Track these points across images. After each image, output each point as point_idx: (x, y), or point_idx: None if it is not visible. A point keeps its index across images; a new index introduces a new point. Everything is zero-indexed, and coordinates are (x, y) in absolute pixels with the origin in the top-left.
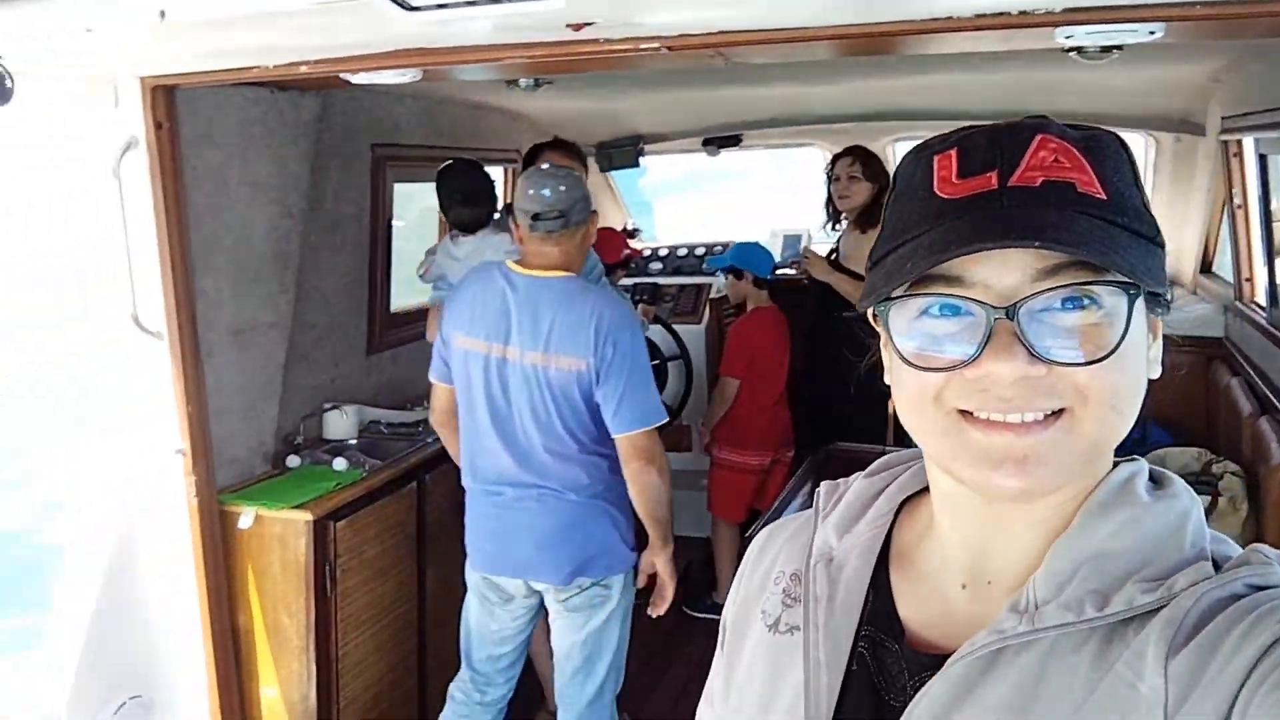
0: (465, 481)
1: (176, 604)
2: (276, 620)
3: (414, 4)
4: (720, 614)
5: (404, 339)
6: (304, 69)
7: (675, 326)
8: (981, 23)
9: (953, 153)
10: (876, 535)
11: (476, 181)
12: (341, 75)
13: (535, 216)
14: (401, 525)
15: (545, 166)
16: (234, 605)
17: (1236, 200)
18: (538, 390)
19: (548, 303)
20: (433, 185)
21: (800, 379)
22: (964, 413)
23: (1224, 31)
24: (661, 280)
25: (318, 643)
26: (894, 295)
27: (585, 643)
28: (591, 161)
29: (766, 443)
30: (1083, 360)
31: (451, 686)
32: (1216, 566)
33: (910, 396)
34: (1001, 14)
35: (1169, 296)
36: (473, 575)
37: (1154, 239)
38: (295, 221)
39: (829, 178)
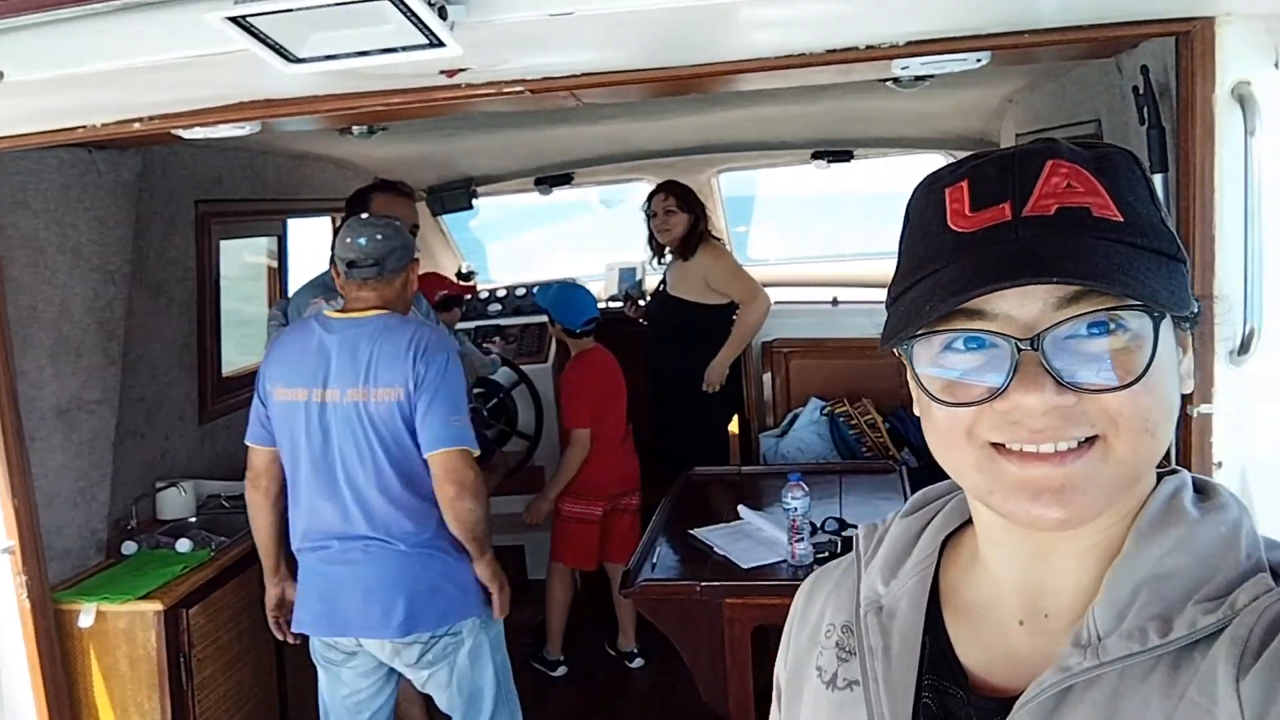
0: (294, 544)
1: (10, 716)
2: None
3: (300, 56)
4: (550, 669)
5: (238, 404)
6: (137, 126)
7: (522, 366)
8: (832, 58)
9: (964, 184)
10: (924, 578)
11: None
12: (174, 131)
13: (350, 264)
14: (255, 604)
15: (365, 216)
16: (76, 711)
17: None
18: (360, 428)
19: (366, 338)
20: (258, 240)
21: (647, 414)
22: (997, 445)
23: (1029, 57)
24: (503, 321)
25: None
26: (916, 333)
27: (459, 691)
28: (422, 206)
29: (603, 491)
30: (1111, 386)
31: None
32: (1275, 575)
33: (942, 432)
34: (850, 49)
35: (1196, 310)
36: (312, 643)
37: (1175, 255)
38: (119, 287)
39: (647, 215)
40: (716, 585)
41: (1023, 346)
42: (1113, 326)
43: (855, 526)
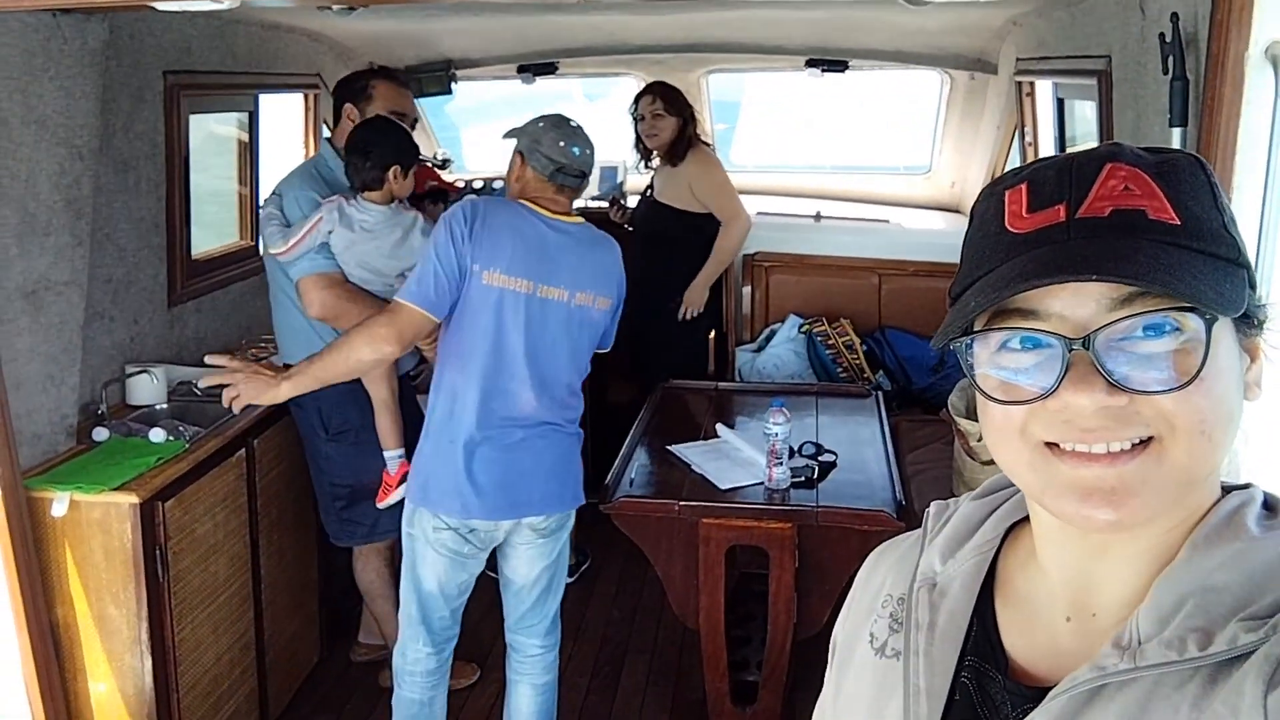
0: (454, 431)
1: None
2: (103, 612)
3: None
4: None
5: (208, 287)
6: None
7: None
8: None
9: (1023, 187)
10: (981, 562)
11: (379, 138)
12: (150, 3)
13: (560, 169)
14: (231, 496)
15: (574, 124)
16: (50, 599)
17: (1028, 137)
18: (576, 329)
19: (587, 246)
20: (228, 115)
21: (629, 322)
22: (1051, 445)
23: None
24: None
25: (151, 632)
26: (973, 330)
27: (553, 564)
28: None
29: None
30: (1164, 388)
31: (405, 666)
32: None
33: (997, 429)
34: None
35: (1262, 316)
36: (439, 534)
37: (1235, 260)
38: (86, 163)
39: (634, 118)
40: (695, 505)
41: (1074, 346)
42: (1168, 329)
43: (833, 452)
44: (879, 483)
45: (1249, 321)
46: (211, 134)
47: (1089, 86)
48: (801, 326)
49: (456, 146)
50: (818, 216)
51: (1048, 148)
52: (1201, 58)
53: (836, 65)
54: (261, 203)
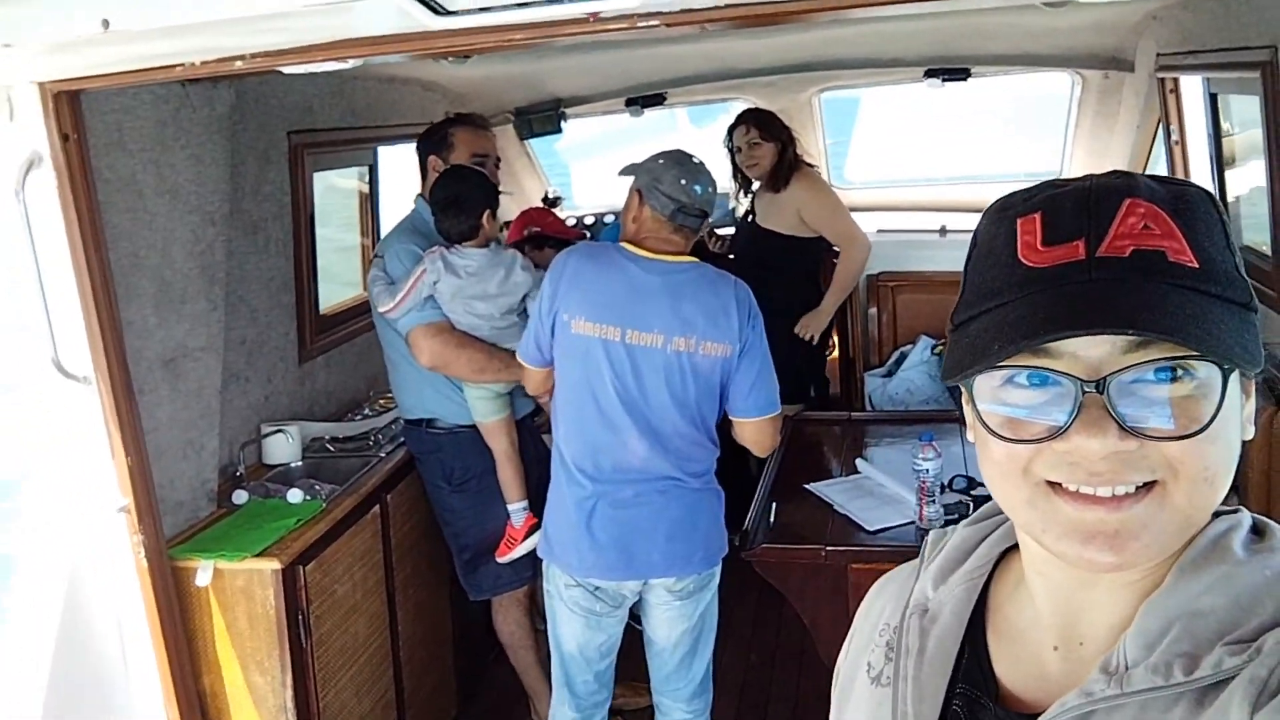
0: (568, 485)
1: (135, 675)
2: (248, 680)
3: (449, 8)
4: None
5: (335, 341)
6: (239, 64)
7: None
8: None
9: (1037, 216)
10: (972, 588)
11: (465, 187)
12: (278, 68)
13: (681, 209)
14: (368, 554)
15: (696, 160)
16: (197, 668)
17: (1174, 136)
18: (679, 376)
19: (689, 286)
20: (350, 170)
21: None
22: (1053, 484)
23: None
24: None
25: (296, 698)
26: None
27: (696, 626)
28: (509, 129)
29: None
30: (1175, 434)
31: None
32: None
33: (998, 465)
34: None
35: (1259, 360)
36: (570, 591)
37: (1247, 304)
38: (218, 229)
39: (730, 150)
40: (843, 550)
41: (1088, 389)
42: (1180, 373)
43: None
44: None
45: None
46: (332, 187)
47: (1250, 80)
48: (934, 348)
49: (566, 183)
50: (943, 231)
51: (1199, 146)
52: None
53: (958, 74)
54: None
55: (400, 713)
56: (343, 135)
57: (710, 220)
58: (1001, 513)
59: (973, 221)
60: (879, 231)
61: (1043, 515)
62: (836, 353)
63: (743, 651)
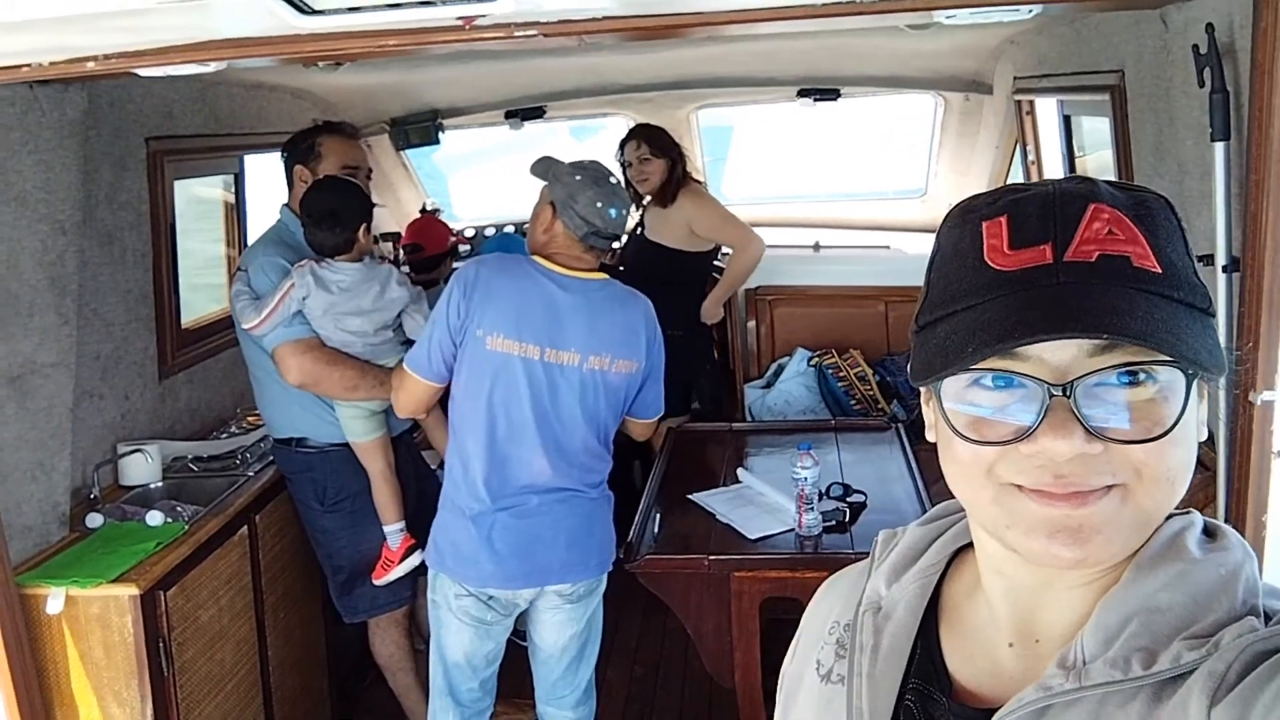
0: (468, 499)
1: None
2: (105, 711)
3: (315, 7)
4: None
5: (199, 356)
6: (91, 65)
7: None
8: (883, 6)
9: (1003, 220)
10: (925, 586)
11: (340, 200)
12: (133, 70)
13: (595, 232)
14: (235, 578)
15: (614, 181)
16: (49, 700)
17: (1030, 156)
18: (592, 393)
19: (604, 304)
20: (213, 179)
21: None
22: (1018, 485)
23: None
24: None
25: None
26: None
27: (583, 631)
28: (385, 139)
29: None
30: (1139, 438)
31: None
32: (1269, 621)
33: (963, 466)
34: None
35: (1221, 364)
36: (461, 601)
37: (1206, 309)
38: (70, 238)
39: (621, 164)
40: (725, 559)
41: (1055, 392)
42: (1144, 376)
43: (861, 491)
44: (914, 520)
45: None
46: (196, 196)
47: (1100, 102)
48: (811, 359)
49: (444, 195)
50: (816, 246)
51: (1054, 165)
52: (1242, 69)
53: (828, 94)
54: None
55: None
56: (206, 143)
57: (619, 241)
58: (953, 514)
59: (845, 238)
60: None
61: (1008, 512)
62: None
63: (627, 664)
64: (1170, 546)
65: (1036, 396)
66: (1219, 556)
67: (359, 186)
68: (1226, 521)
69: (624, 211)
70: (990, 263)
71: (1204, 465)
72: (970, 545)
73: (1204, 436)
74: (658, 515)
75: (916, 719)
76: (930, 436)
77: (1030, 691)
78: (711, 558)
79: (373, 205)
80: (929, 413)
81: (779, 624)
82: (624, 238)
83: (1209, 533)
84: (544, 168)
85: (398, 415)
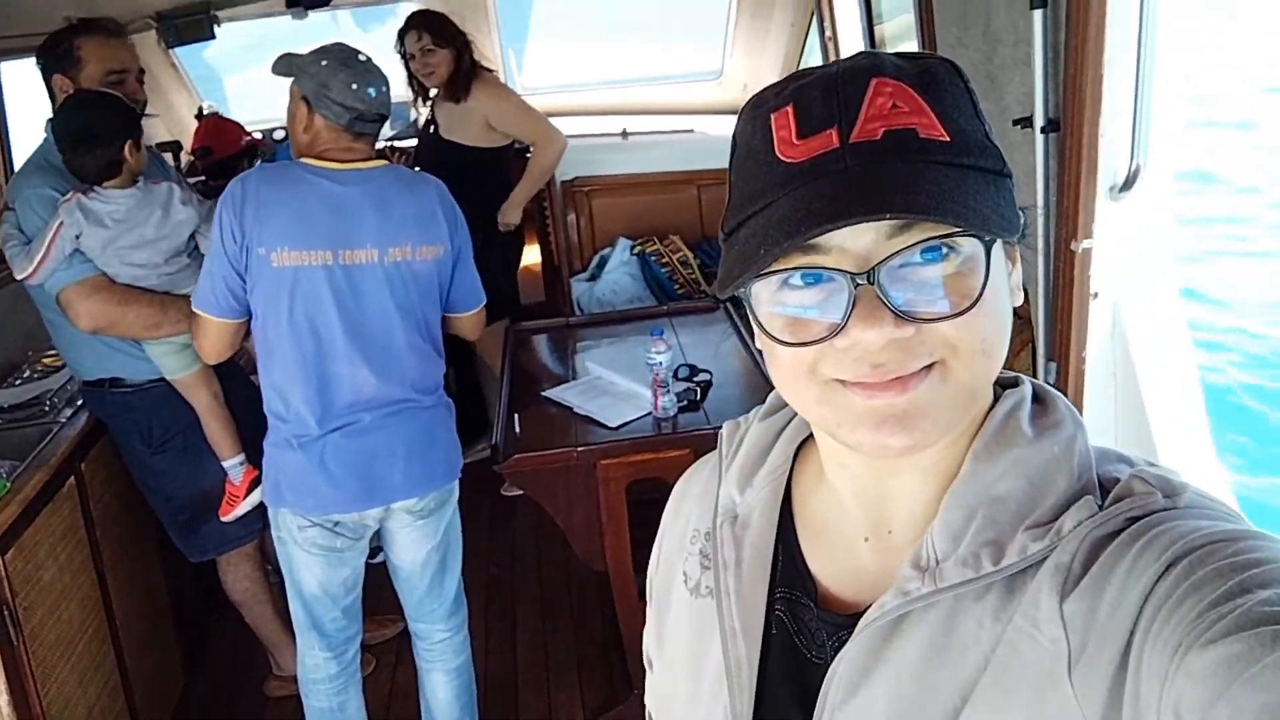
0: (293, 429)
1: None
2: None
3: None
4: None
5: None
6: None
7: None
8: None
9: (789, 109)
10: (776, 488)
11: (95, 116)
12: None
13: (359, 116)
14: (70, 532)
15: (364, 58)
16: None
17: (828, 32)
18: (401, 286)
19: (392, 190)
20: None
21: None
22: (841, 380)
23: None
24: None
25: (14, 700)
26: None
27: (441, 543)
28: (151, 36)
29: None
30: (948, 313)
31: (306, 675)
32: (1105, 490)
33: (785, 369)
34: None
35: (1024, 222)
36: (306, 533)
37: (1001, 171)
38: None
39: (402, 56)
40: (593, 448)
41: (859, 281)
42: (945, 250)
43: (707, 370)
44: (760, 392)
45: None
46: None
47: None
48: (633, 248)
49: (221, 97)
50: (624, 134)
51: (853, 40)
52: None
53: None
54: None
55: (128, 696)
56: None
57: (393, 132)
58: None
59: (651, 123)
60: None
61: (835, 410)
62: (537, 261)
63: (482, 564)
64: (1004, 430)
65: (843, 288)
66: (1052, 434)
67: (117, 98)
68: (1049, 361)
69: (383, 89)
70: (781, 156)
71: (1018, 315)
72: (813, 438)
73: (1019, 301)
74: (516, 415)
75: (788, 627)
76: (758, 343)
77: (890, 597)
78: (580, 449)
79: (139, 116)
80: (755, 326)
81: (640, 505)
82: (415, 139)
83: (1039, 400)
84: (286, 64)
85: (206, 362)
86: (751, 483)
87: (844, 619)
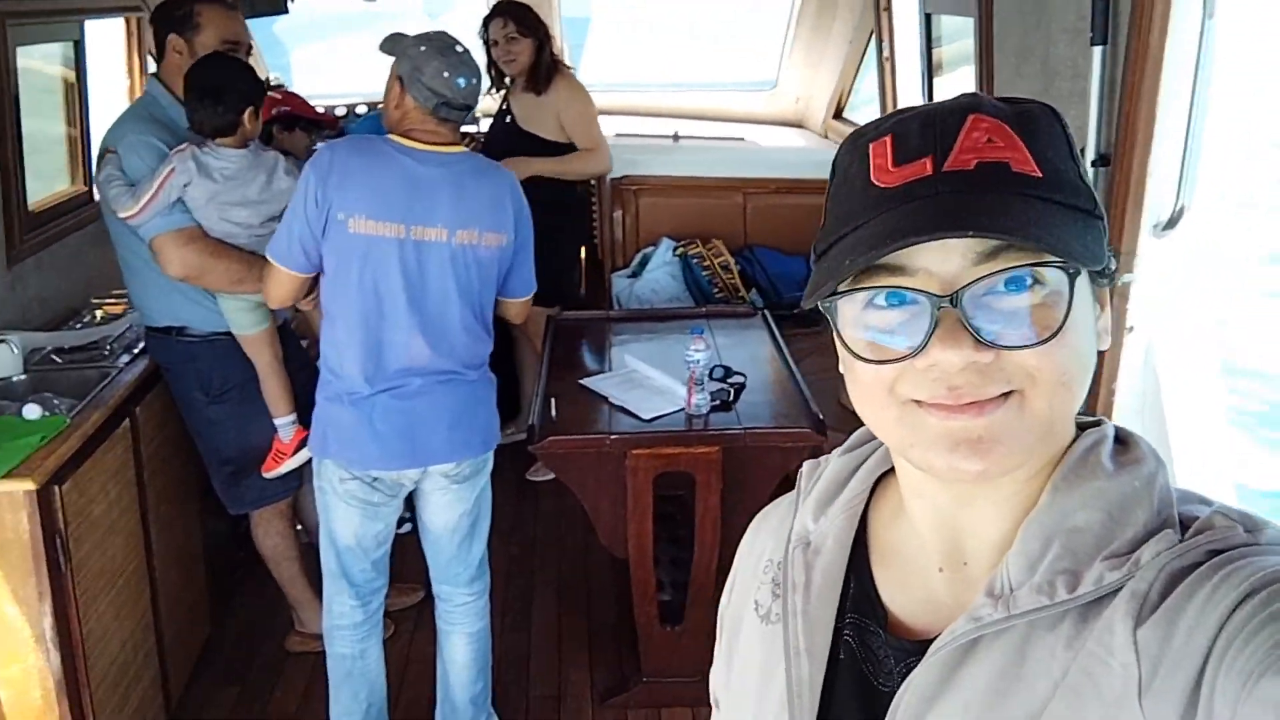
0: (346, 385)
1: None
2: (1, 612)
3: None
4: None
5: (47, 240)
6: None
7: None
8: None
9: (887, 139)
10: (851, 517)
11: (227, 76)
12: None
13: (446, 103)
14: (121, 471)
15: (461, 49)
16: None
17: (885, 52)
18: (464, 269)
19: (469, 177)
20: (57, 46)
21: None
22: (918, 401)
23: None
24: None
25: (57, 625)
26: (838, 291)
27: (472, 509)
28: None
29: None
30: (1029, 342)
31: (332, 621)
32: (1185, 529)
33: (865, 388)
34: None
35: (1112, 266)
36: (346, 485)
37: (1092, 211)
38: None
39: (485, 42)
40: (624, 437)
41: (941, 303)
42: (1030, 282)
43: (741, 373)
44: (792, 399)
45: (1101, 273)
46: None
47: (963, 0)
48: (676, 249)
49: (286, 69)
50: (676, 137)
51: (910, 64)
52: None
53: None
54: (95, 155)
55: (159, 634)
56: (44, 4)
57: (473, 111)
58: (873, 439)
59: (702, 129)
60: (618, 135)
61: (911, 430)
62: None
63: (504, 545)
64: (1084, 463)
65: (926, 310)
66: (1132, 469)
67: (250, 68)
68: None
69: (474, 80)
70: (875, 181)
71: None
72: (892, 471)
73: (1106, 345)
74: (552, 400)
75: (855, 653)
76: (841, 369)
77: (962, 623)
78: (612, 437)
79: (264, 89)
80: (837, 345)
81: (664, 499)
82: (482, 119)
83: (1120, 441)
84: (391, 43)
85: (269, 306)
86: (826, 512)
87: (914, 645)
